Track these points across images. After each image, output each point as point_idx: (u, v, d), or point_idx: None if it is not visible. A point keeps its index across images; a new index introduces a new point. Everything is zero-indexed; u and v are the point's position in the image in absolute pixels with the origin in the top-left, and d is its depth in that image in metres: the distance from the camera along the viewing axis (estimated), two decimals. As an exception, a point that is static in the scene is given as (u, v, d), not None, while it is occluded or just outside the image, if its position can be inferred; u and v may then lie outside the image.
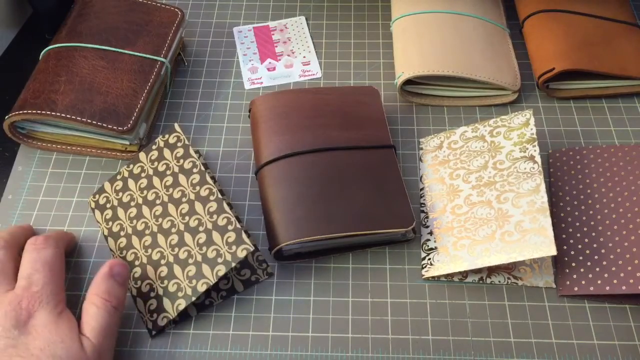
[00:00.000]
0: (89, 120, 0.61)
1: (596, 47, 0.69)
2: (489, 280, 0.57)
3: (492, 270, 0.57)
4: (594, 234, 0.57)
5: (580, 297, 0.56)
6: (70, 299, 0.56)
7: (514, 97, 0.69)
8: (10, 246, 0.54)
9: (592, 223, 0.58)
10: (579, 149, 0.64)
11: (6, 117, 0.62)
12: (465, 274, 0.57)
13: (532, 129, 0.60)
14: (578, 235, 0.58)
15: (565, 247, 0.58)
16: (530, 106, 0.69)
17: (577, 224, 0.59)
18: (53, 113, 0.61)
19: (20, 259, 0.53)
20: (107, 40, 0.68)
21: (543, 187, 0.56)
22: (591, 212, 0.59)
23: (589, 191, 0.60)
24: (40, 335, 0.47)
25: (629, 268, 0.54)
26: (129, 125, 0.62)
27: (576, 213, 0.59)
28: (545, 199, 0.55)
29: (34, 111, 0.61)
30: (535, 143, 0.59)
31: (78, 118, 0.61)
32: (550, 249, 0.52)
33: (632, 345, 0.53)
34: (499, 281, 0.56)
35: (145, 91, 0.65)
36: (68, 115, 0.61)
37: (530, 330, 0.54)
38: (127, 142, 0.64)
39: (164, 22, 0.71)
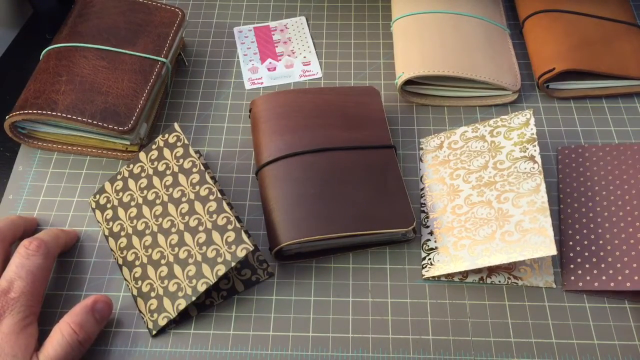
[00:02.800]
0: (89, 121, 0.61)
1: (596, 47, 0.69)
2: (489, 280, 0.57)
3: (492, 270, 0.57)
4: (600, 230, 0.58)
5: (580, 295, 0.56)
6: (71, 298, 0.56)
7: (514, 97, 0.69)
8: (4, 238, 0.54)
9: (599, 220, 0.58)
10: (588, 146, 0.64)
11: (7, 117, 0.62)
12: (465, 273, 0.57)
13: (532, 129, 0.60)
14: (584, 231, 0.58)
15: (571, 243, 0.58)
16: (531, 106, 0.70)
17: (584, 220, 0.59)
18: (54, 113, 0.61)
19: (10, 251, 0.54)
20: (108, 40, 0.68)
21: (543, 186, 0.56)
22: (598, 209, 0.59)
23: (596, 188, 0.60)
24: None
25: (634, 265, 0.54)
26: (129, 126, 0.62)
27: (583, 209, 0.60)
28: (546, 198, 0.55)
29: (34, 111, 0.61)
30: (536, 143, 0.59)
31: (79, 118, 0.61)
32: (550, 249, 0.52)
33: (632, 345, 0.53)
34: (499, 281, 0.57)
35: (146, 91, 0.65)
36: (69, 115, 0.61)
37: (531, 330, 0.54)
38: (128, 142, 0.64)
39: (164, 22, 0.71)
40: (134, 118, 0.63)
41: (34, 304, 0.51)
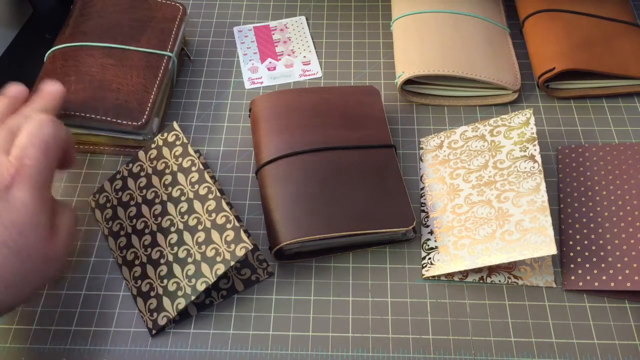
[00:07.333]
0: (103, 117, 0.61)
1: (596, 47, 0.69)
2: (489, 280, 0.57)
3: (492, 269, 0.57)
4: (600, 230, 0.58)
5: (580, 295, 0.55)
6: (70, 297, 0.56)
7: (514, 97, 0.69)
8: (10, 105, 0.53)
9: (599, 220, 0.58)
10: (588, 146, 0.64)
11: None
12: (465, 273, 0.57)
13: (532, 128, 0.60)
14: (585, 231, 0.58)
15: (571, 243, 0.58)
16: (531, 106, 0.69)
17: (584, 220, 0.59)
18: (67, 112, 0.61)
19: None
20: (113, 38, 0.68)
21: (543, 186, 0.56)
22: (598, 208, 0.59)
23: (597, 188, 0.60)
24: (17, 210, 0.46)
25: (635, 265, 0.54)
26: (143, 120, 0.62)
27: (583, 209, 0.59)
28: (546, 198, 0.55)
29: None
30: (536, 142, 0.59)
31: (92, 115, 0.62)
32: (550, 249, 0.52)
33: (632, 344, 0.53)
34: (499, 280, 0.56)
35: (156, 86, 0.65)
36: (82, 113, 0.61)
37: (531, 330, 0.54)
38: (141, 138, 0.64)
39: (166, 17, 0.71)
40: (146, 112, 0.63)
41: (47, 176, 0.49)
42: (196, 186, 0.57)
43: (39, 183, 0.47)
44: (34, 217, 0.47)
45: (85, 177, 0.65)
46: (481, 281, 0.57)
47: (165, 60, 0.68)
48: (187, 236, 0.55)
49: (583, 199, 0.60)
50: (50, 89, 0.55)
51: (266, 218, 0.59)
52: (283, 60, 0.75)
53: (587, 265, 0.56)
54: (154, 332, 0.54)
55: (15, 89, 0.56)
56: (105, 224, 0.60)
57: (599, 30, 0.71)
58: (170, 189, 0.58)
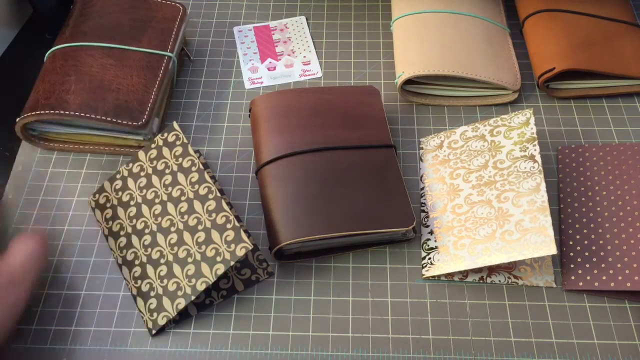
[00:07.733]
0: (103, 117, 0.61)
1: (596, 47, 0.69)
2: (489, 280, 0.57)
3: (492, 269, 0.57)
4: (600, 230, 0.58)
5: (580, 295, 0.56)
6: (70, 297, 0.56)
7: (514, 97, 0.69)
8: None
9: (599, 220, 0.58)
10: (588, 146, 0.64)
11: (18, 119, 0.62)
12: (465, 273, 0.57)
13: (532, 128, 0.60)
14: (585, 231, 0.58)
15: (571, 243, 0.58)
16: (531, 106, 0.69)
17: (584, 220, 0.59)
18: (67, 112, 0.61)
19: None
20: (113, 38, 0.68)
21: (543, 186, 0.56)
22: (598, 209, 0.59)
23: (597, 188, 0.60)
24: None
25: (635, 265, 0.54)
26: (143, 120, 0.62)
27: (583, 209, 0.59)
28: (546, 198, 0.55)
29: (47, 111, 0.61)
30: (536, 142, 0.59)
31: (92, 115, 0.61)
32: (550, 249, 0.52)
33: (632, 344, 0.53)
34: (499, 280, 0.56)
35: (156, 86, 0.65)
36: (82, 114, 0.61)
37: (531, 330, 0.54)
38: (141, 138, 0.64)
39: (166, 17, 0.71)
40: (147, 113, 0.63)
41: None
42: (196, 186, 0.57)
43: None
44: None
45: (85, 177, 0.65)
46: (481, 281, 0.57)
47: (165, 61, 0.68)
48: (187, 236, 0.55)
49: (583, 199, 0.60)
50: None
51: (266, 218, 0.59)
52: (283, 60, 0.75)
53: (587, 265, 0.56)
54: (154, 332, 0.54)
55: None
56: (105, 224, 0.60)
57: (599, 30, 0.71)
58: (170, 189, 0.58)
